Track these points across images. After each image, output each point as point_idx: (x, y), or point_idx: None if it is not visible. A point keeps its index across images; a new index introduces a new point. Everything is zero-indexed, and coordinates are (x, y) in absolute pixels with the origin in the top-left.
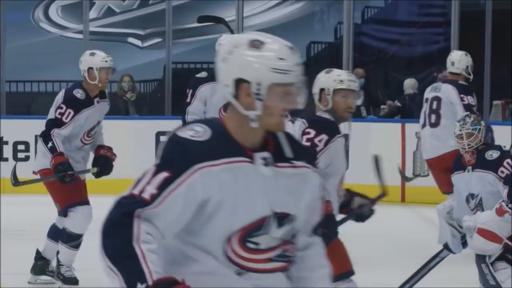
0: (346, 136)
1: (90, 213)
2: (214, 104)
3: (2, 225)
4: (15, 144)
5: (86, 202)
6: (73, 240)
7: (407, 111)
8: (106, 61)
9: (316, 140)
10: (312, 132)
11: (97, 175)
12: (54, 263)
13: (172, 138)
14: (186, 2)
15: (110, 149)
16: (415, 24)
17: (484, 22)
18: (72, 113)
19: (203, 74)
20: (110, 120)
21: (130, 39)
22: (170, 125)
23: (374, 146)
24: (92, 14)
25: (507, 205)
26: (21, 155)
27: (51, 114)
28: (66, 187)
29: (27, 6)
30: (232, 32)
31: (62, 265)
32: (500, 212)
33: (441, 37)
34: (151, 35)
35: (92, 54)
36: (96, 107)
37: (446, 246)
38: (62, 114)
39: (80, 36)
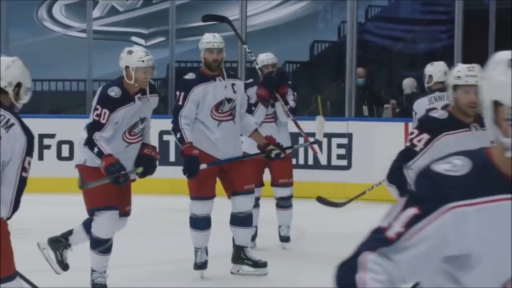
0: (349, 136)
1: (116, 217)
2: (206, 105)
3: (18, 223)
4: None
5: (113, 207)
6: (101, 245)
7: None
8: (143, 61)
9: (415, 140)
10: (415, 132)
11: (141, 175)
12: (66, 254)
13: (424, 171)
14: (189, 1)
15: (154, 148)
16: (418, 23)
17: (488, 21)
18: (107, 112)
19: (191, 76)
20: None
21: (134, 38)
22: None
23: (377, 146)
24: (96, 13)
25: None
26: None
27: (90, 117)
28: (97, 188)
29: (31, 5)
30: (236, 31)
31: (94, 271)
32: None
33: (444, 35)
34: (155, 34)
35: (130, 53)
36: (136, 104)
37: None
38: (98, 115)
39: (83, 35)
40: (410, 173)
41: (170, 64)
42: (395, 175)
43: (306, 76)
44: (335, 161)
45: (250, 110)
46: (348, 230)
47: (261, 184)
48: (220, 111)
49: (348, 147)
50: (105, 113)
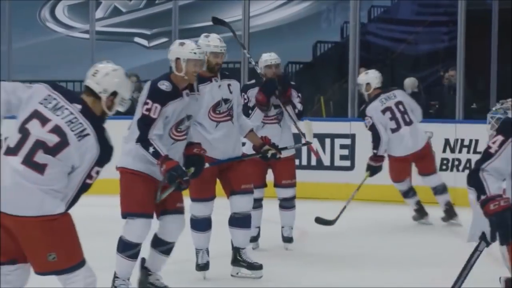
0: (352, 137)
1: (149, 224)
2: (203, 106)
3: None
4: None
5: (148, 215)
6: (129, 249)
7: None
8: (195, 53)
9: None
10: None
11: (192, 176)
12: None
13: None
14: (192, 1)
15: (199, 145)
16: (421, 23)
17: (491, 21)
18: (158, 107)
19: None
20: (116, 120)
21: (137, 39)
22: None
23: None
24: (99, 13)
25: None
26: None
27: (138, 113)
28: (135, 192)
29: (34, 6)
30: (236, 36)
31: (117, 277)
32: None
33: (447, 37)
34: (158, 34)
35: (182, 44)
36: (185, 99)
37: (483, 238)
38: (149, 110)
39: (86, 35)
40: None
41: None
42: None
43: (309, 76)
44: (338, 162)
45: (247, 112)
46: (350, 230)
47: (264, 184)
48: (217, 111)
49: (351, 147)
50: (156, 107)
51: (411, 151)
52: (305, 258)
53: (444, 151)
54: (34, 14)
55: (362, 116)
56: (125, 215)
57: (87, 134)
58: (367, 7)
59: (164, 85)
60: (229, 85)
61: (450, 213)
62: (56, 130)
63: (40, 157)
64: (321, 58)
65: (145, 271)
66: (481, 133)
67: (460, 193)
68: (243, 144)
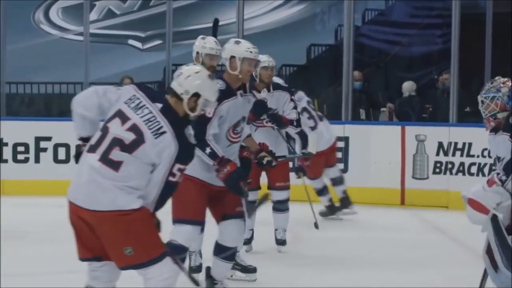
0: (346, 139)
1: (197, 231)
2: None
3: (3, 226)
4: (15, 145)
5: (198, 222)
6: (177, 251)
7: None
8: (250, 52)
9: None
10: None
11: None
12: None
13: None
14: (186, 4)
15: (248, 149)
16: (415, 26)
17: (485, 24)
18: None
19: (221, 85)
20: None
21: (131, 41)
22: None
23: (374, 149)
24: (93, 16)
25: (498, 176)
26: (20, 156)
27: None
28: (186, 199)
29: (28, 8)
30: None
31: (215, 282)
32: (490, 183)
33: (441, 39)
34: (152, 37)
35: (237, 43)
36: (239, 100)
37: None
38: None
39: (80, 38)
40: None
41: (167, 67)
42: None
43: (303, 79)
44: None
45: None
46: (343, 233)
47: (258, 187)
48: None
49: (345, 150)
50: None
51: (328, 144)
52: (298, 260)
53: (437, 154)
54: (28, 16)
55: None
56: (176, 221)
57: (164, 132)
58: (361, 9)
59: (219, 84)
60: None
61: (345, 202)
62: (133, 128)
63: (116, 154)
64: (315, 61)
65: (211, 280)
66: (474, 136)
67: (453, 197)
68: None
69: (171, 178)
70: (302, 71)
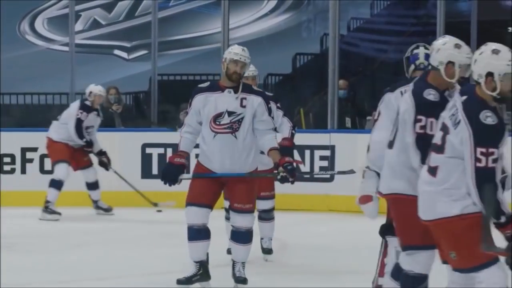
0: (332, 148)
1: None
2: (205, 114)
3: (2, 236)
4: (1, 156)
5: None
6: (419, 283)
7: None
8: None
9: None
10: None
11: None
12: None
13: None
14: (172, 14)
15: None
16: (400, 34)
17: (469, 32)
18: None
19: (205, 84)
20: (97, 132)
21: (116, 51)
22: (156, 137)
23: (360, 158)
24: (78, 26)
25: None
26: (6, 167)
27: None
28: (417, 222)
29: (13, 19)
30: None
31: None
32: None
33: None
34: (137, 47)
35: (458, 47)
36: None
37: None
38: (423, 127)
39: (66, 48)
40: None
41: (152, 77)
42: None
43: (288, 88)
44: (319, 174)
45: None
46: (330, 241)
47: (272, 195)
48: (217, 122)
49: (331, 159)
50: (431, 121)
51: None
52: (284, 269)
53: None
54: (14, 27)
55: None
56: (407, 248)
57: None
58: (347, 18)
59: (432, 95)
60: (243, 98)
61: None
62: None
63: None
64: (300, 70)
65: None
66: None
67: None
68: None
69: (478, 164)
70: (288, 80)
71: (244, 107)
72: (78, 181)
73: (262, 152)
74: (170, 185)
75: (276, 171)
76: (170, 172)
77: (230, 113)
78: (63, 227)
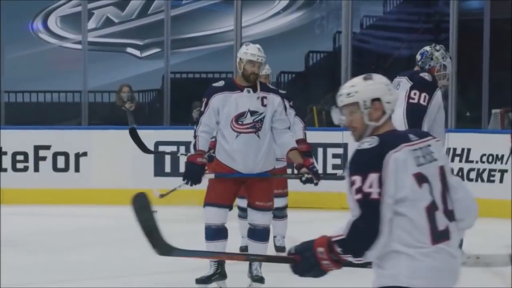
0: (345, 146)
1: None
2: (225, 114)
3: (2, 235)
4: (14, 154)
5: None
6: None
7: None
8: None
9: None
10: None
11: None
12: None
13: None
14: (185, 12)
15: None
16: (414, 31)
17: (483, 30)
18: None
19: (220, 83)
20: (109, 130)
21: (129, 49)
22: (169, 135)
23: None
24: (91, 24)
25: None
26: (20, 165)
27: None
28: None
29: (26, 17)
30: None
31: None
32: None
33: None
34: (150, 45)
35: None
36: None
37: None
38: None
39: (79, 46)
40: None
41: (165, 75)
42: None
43: (301, 86)
44: (330, 171)
45: None
46: None
47: (286, 193)
48: (240, 122)
49: (344, 157)
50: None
51: None
52: None
53: None
54: (27, 25)
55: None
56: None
57: None
58: (360, 16)
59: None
60: (264, 97)
61: None
62: None
63: None
64: (313, 68)
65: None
66: (473, 142)
67: None
68: None
69: None
70: (301, 78)
71: (265, 106)
72: (76, 179)
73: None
74: (192, 185)
75: (298, 172)
76: (195, 172)
77: (253, 113)
78: (80, 225)
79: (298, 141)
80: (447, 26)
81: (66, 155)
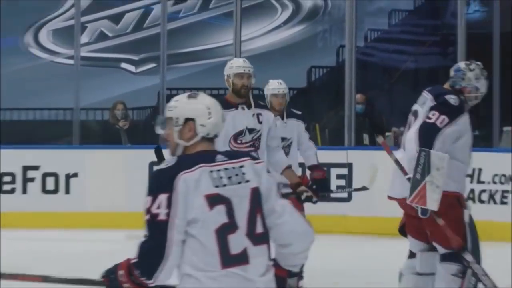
0: (349, 166)
1: None
2: (223, 133)
3: (3, 258)
4: (1, 175)
5: None
6: None
7: None
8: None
9: None
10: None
11: None
12: None
13: None
14: (182, 25)
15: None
16: (421, 44)
17: (492, 44)
18: None
19: None
20: (101, 149)
21: (123, 65)
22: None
23: (379, 176)
24: (84, 38)
25: None
26: (6, 187)
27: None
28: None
29: (16, 31)
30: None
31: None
32: None
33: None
34: (145, 60)
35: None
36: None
37: None
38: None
39: (71, 61)
40: None
41: (161, 91)
42: None
43: (303, 103)
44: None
45: None
46: (348, 262)
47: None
48: (239, 141)
49: (348, 177)
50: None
51: None
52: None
53: None
54: (17, 39)
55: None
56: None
57: None
58: (364, 29)
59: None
60: (259, 114)
61: None
62: None
63: None
64: (315, 84)
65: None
66: (484, 161)
67: None
68: None
69: None
70: (303, 94)
71: (261, 123)
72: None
73: None
74: None
75: (294, 191)
76: None
77: (251, 130)
78: (70, 250)
79: (311, 167)
80: (453, 38)
81: (56, 176)
